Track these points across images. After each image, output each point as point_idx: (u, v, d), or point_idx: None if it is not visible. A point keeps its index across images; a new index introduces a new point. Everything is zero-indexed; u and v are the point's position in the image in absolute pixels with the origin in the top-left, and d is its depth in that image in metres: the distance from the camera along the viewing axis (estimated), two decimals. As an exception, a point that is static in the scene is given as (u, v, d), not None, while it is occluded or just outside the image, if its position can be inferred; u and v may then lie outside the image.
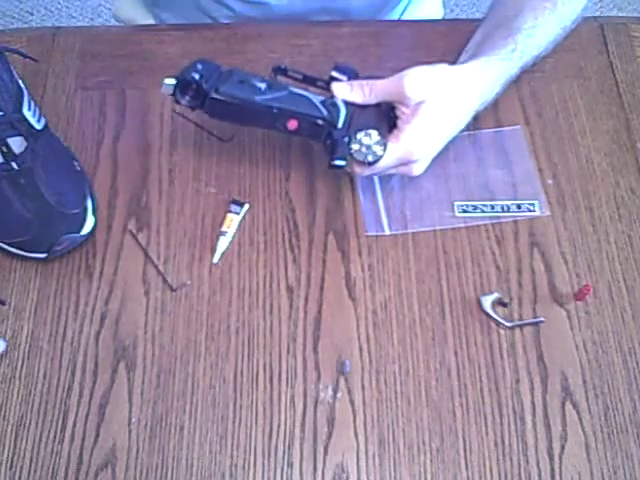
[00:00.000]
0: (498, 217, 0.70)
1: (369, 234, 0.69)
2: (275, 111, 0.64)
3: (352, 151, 0.65)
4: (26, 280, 0.67)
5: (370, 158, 0.64)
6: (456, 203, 0.71)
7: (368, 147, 0.64)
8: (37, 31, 0.83)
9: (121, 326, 0.65)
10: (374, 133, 0.64)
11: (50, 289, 0.66)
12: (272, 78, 0.67)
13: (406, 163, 0.67)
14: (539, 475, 0.59)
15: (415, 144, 0.65)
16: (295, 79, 0.69)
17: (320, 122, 0.65)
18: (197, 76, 0.64)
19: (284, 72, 0.68)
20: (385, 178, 0.72)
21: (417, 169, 0.68)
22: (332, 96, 0.66)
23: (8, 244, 0.66)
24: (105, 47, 0.80)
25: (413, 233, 0.69)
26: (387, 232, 0.69)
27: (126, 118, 0.75)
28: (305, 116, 0.65)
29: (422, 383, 0.63)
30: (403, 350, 0.64)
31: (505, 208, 0.71)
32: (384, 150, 0.64)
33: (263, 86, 0.64)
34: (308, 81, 0.69)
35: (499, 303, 0.66)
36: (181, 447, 0.60)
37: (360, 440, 0.60)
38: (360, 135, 0.64)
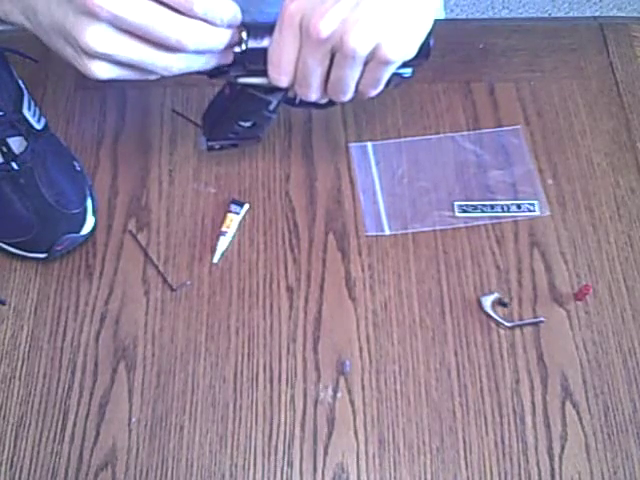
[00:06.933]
0: (498, 217, 0.70)
1: (369, 234, 0.69)
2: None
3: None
4: (26, 280, 0.67)
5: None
6: (456, 203, 0.71)
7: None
8: (37, 31, 0.83)
9: (121, 326, 0.65)
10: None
11: (50, 289, 0.66)
12: None
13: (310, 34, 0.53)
14: (539, 475, 0.59)
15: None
16: None
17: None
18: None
19: None
20: (385, 178, 0.72)
21: (358, 35, 0.52)
22: None
23: (8, 244, 0.66)
24: (105, 47, 0.80)
25: (413, 233, 0.69)
26: (387, 232, 0.69)
27: (126, 118, 0.75)
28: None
29: (422, 383, 0.63)
30: (403, 350, 0.64)
31: (505, 208, 0.71)
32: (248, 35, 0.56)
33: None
34: None
35: (499, 303, 0.66)
36: (181, 447, 0.60)
37: (360, 440, 0.60)
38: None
